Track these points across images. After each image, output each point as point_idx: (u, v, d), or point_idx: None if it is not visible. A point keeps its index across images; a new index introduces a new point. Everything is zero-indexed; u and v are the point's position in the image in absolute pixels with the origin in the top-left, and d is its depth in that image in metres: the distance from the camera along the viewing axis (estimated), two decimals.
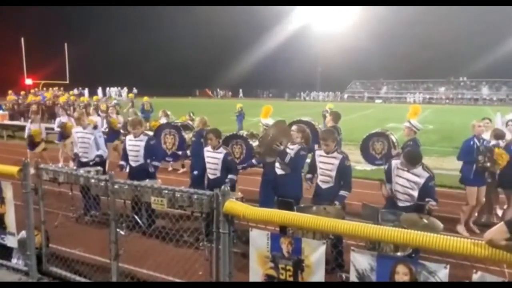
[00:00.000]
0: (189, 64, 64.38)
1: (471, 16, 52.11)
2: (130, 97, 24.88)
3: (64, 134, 10.77)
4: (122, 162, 6.72)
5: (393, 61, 60.33)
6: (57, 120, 11.56)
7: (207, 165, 6.07)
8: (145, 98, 20.17)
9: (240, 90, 66.55)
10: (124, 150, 6.78)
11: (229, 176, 5.86)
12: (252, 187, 7.55)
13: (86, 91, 47.58)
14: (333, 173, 5.10)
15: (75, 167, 6.76)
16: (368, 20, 57.84)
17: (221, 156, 5.93)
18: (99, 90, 52.43)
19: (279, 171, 5.66)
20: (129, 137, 6.76)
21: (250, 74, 66.65)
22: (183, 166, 11.10)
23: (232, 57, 65.90)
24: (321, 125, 16.07)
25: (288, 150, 5.59)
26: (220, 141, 6.14)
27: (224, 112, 32.31)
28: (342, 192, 5.08)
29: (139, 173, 6.35)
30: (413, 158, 4.65)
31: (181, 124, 9.58)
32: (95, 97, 21.78)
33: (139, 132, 6.66)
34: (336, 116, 7.86)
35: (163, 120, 10.82)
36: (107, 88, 54.41)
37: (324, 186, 5.20)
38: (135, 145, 6.63)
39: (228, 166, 5.92)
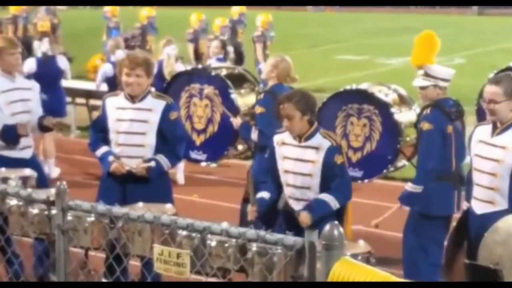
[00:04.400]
0: None
1: None
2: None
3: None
4: (104, 152, 4.22)
5: None
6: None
7: (284, 176, 3.89)
8: (149, 11, 14.39)
9: None
10: (99, 127, 4.31)
11: (324, 196, 3.73)
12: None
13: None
14: None
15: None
16: None
17: (319, 157, 3.72)
18: None
19: (479, 207, 3.64)
20: (114, 99, 4.26)
21: None
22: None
23: None
24: None
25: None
26: (315, 120, 3.90)
27: (321, 43, 20.07)
28: None
29: (145, 185, 4.03)
30: None
31: (228, 72, 6.43)
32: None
33: (143, 87, 4.13)
34: None
35: (168, 60, 7.84)
36: None
37: None
38: (136, 119, 4.13)
39: (331, 175, 3.77)
